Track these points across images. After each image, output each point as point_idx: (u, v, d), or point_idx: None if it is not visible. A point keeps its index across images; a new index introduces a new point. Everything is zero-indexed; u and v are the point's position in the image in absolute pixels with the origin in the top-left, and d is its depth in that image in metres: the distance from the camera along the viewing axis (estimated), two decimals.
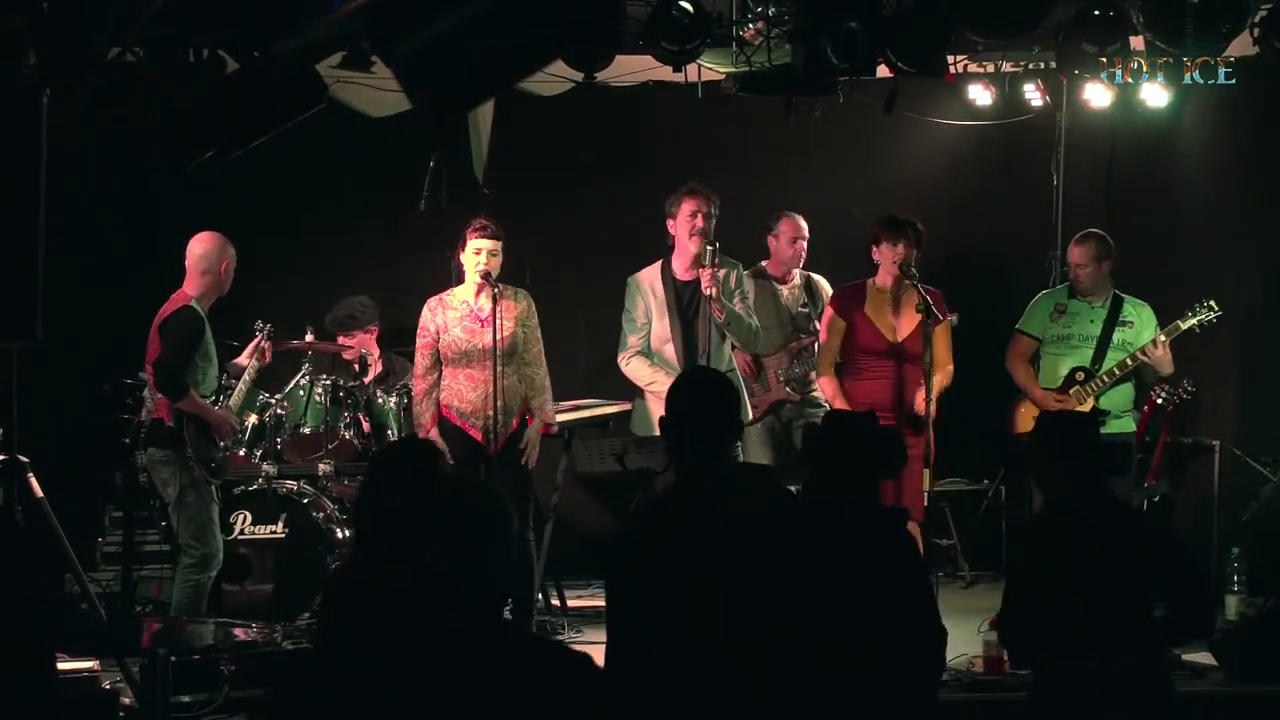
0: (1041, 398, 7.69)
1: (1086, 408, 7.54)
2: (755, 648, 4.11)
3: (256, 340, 7.66)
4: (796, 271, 8.46)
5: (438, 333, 7.39)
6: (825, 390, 7.62)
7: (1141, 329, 7.75)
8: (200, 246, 7.18)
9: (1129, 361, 7.65)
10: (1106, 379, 7.64)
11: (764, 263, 8.46)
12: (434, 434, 7.35)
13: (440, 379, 7.40)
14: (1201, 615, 5.09)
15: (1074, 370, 7.72)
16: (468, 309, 7.39)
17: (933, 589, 4.69)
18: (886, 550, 4.54)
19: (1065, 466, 5.00)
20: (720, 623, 4.08)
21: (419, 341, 7.46)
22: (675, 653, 4.06)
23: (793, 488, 8.50)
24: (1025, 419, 7.74)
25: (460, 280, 7.49)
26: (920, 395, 7.31)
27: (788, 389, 8.27)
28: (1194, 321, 7.71)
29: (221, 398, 7.35)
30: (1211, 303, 7.72)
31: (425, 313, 7.46)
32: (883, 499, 4.88)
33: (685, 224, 7.53)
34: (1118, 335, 7.72)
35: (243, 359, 7.66)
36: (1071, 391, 7.68)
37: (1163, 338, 7.66)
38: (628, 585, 4.19)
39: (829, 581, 4.33)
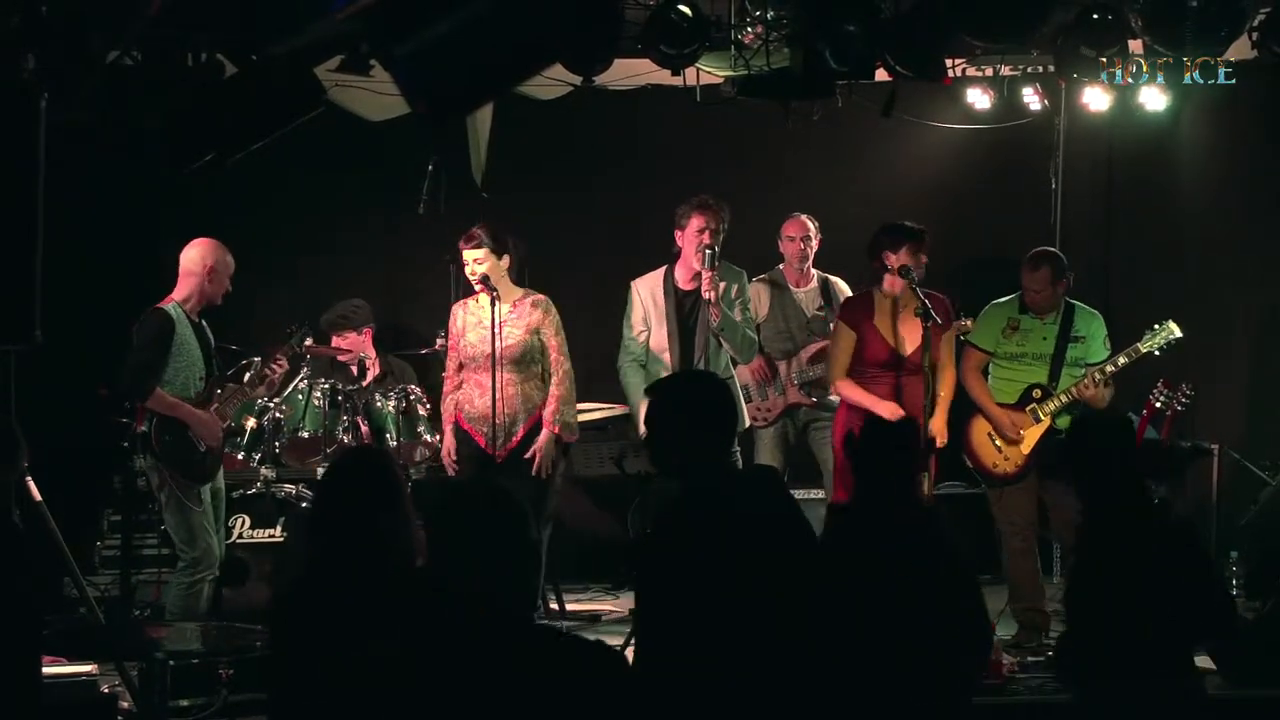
0: (998, 415, 7.60)
1: (1043, 427, 7.48)
2: (786, 648, 4.15)
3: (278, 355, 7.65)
4: (814, 274, 8.48)
5: (459, 336, 7.49)
6: (848, 393, 7.48)
7: (1090, 343, 7.58)
8: (188, 250, 7.14)
9: (1072, 392, 7.52)
10: (1065, 398, 7.52)
11: (780, 266, 8.47)
12: (448, 433, 7.52)
13: (462, 382, 7.53)
14: (1227, 613, 4.93)
15: (1031, 387, 7.59)
16: (482, 315, 7.44)
17: (979, 586, 4.74)
18: (934, 550, 4.64)
19: (1109, 473, 4.80)
20: (749, 624, 4.10)
21: (449, 343, 7.65)
22: (707, 655, 4.10)
23: (816, 492, 8.55)
24: (980, 435, 7.67)
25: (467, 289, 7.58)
26: (935, 421, 7.32)
27: (803, 393, 8.28)
28: (1152, 346, 7.47)
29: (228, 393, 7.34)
30: (1171, 324, 7.45)
31: (452, 315, 7.60)
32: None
33: (693, 239, 7.51)
34: (1070, 352, 7.57)
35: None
36: (1028, 409, 7.57)
37: (1099, 375, 7.49)
38: (658, 591, 4.21)
39: (879, 585, 4.39)
